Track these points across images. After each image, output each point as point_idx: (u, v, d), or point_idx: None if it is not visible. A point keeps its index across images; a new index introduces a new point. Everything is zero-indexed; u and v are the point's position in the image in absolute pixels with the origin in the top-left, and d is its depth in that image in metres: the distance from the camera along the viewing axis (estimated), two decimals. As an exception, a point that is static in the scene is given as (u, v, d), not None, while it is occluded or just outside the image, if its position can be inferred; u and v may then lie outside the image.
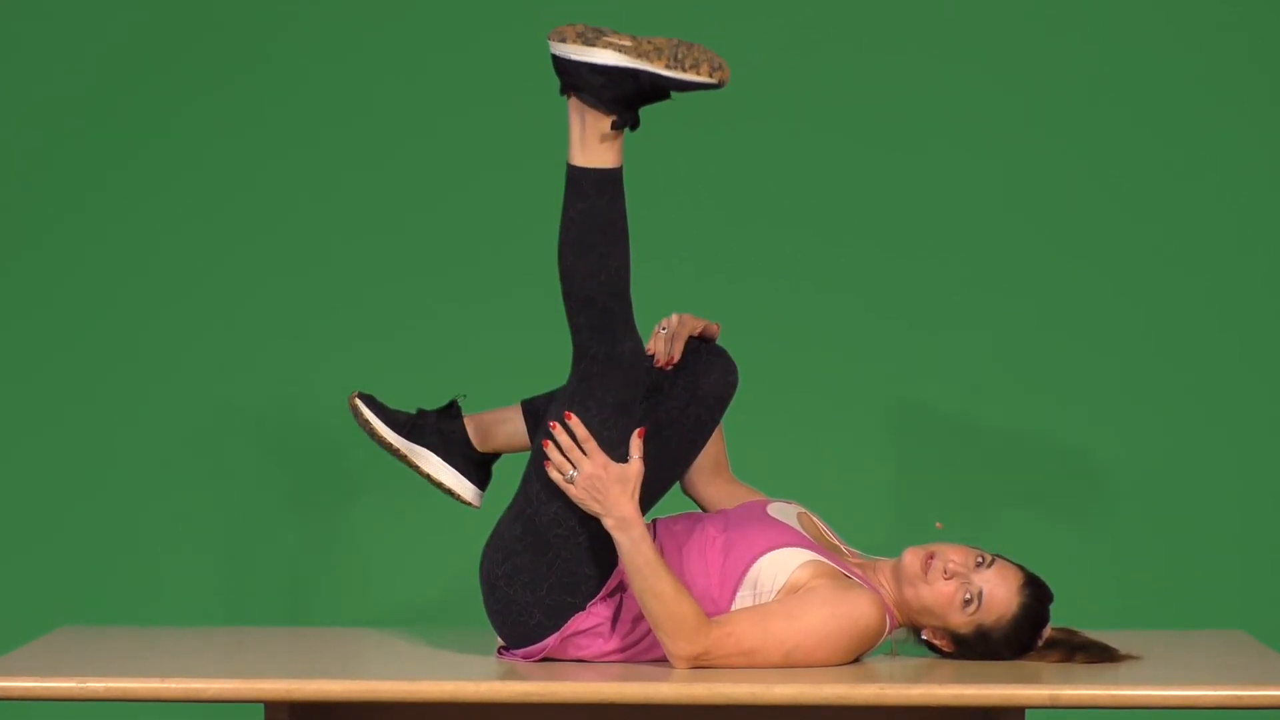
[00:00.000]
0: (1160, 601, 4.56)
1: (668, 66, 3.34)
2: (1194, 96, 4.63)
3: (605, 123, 3.39)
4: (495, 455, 3.66)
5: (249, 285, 4.68)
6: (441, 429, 3.63)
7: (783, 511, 3.58)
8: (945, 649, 3.48)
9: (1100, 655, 3.48)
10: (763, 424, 4.64)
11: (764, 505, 3.59)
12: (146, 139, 4.70)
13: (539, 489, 3.42)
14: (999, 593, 3.44)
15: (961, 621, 3.44)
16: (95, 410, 4.67)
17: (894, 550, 3.55)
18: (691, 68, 3.35)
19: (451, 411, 3.65)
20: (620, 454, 3.38)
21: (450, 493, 3.63)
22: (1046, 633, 3.50)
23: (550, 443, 3.39)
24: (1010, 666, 3.42)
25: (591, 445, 3.37)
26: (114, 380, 4.67)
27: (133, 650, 3.58)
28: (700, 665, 3.35)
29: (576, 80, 3.38)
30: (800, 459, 4.65)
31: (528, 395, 3.66)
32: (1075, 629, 3.56)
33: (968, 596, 3.43)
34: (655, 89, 3.36)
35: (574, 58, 3.37)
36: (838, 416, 4.65)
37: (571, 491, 3.38)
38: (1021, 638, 3.45)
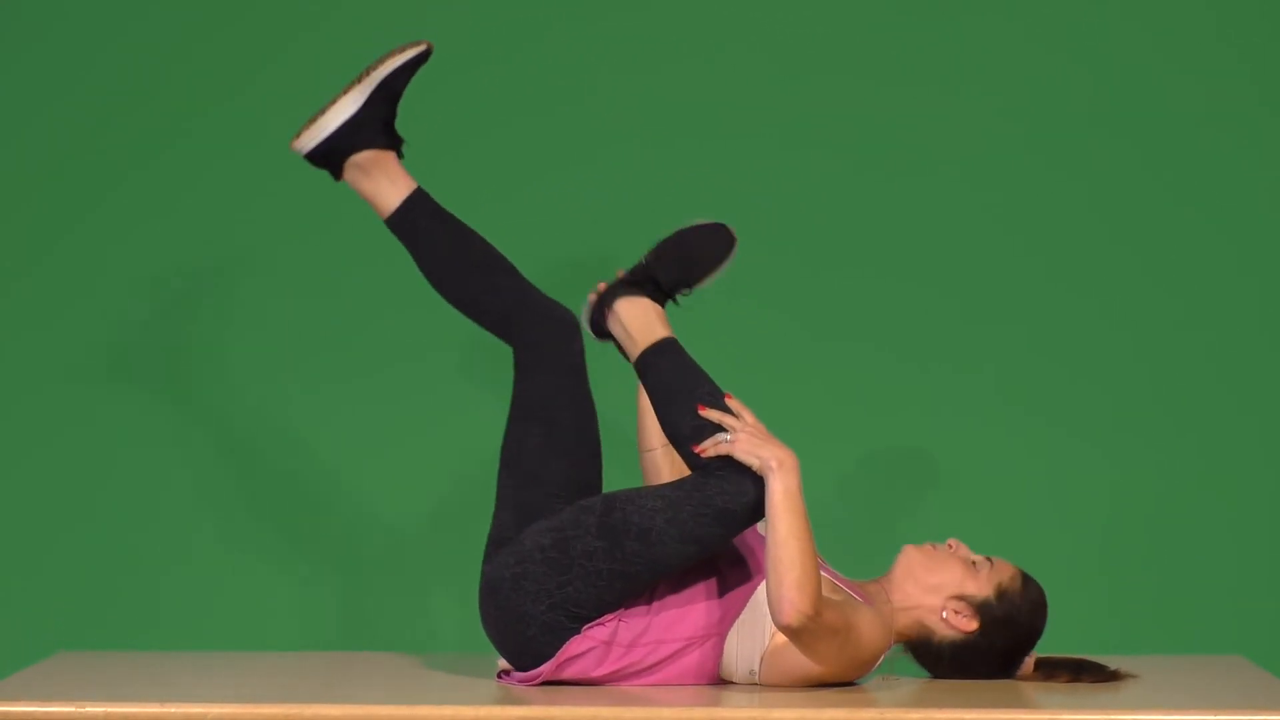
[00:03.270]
0: (1156, 626, 4.56)
1: (384, 63, 3.64)
2: (1191, 125, 4.63)
3: (388, 157, 3.66)
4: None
5: (251, 306, 4.68)
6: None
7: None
8: (966, 627, 3.48)
9: (1106, 676, 3.50)
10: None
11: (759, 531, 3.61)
12: (149, 157, 4.70)
13: (594, 522, 3.42)
14: (1003, 563, 3.54)
15: (979, 585, 3.49)
16: (93, 433, 4.67)
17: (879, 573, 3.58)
18: (394, 54, 3.65)
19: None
20: (691, 550, 3.41)
21: None
22: (1033, 659, 3.52)
23: (705, 408, 3.43)
24: (1007, 689, 3.43)
25: (746, 411, 3.43)
26: (113, 402, 4.67)
27: (131, 675, 3.59)
28: (808, 629, 3.31)
29: (348, 146, 3.64)
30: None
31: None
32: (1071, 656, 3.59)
33: (975, 560, 3.52)
34: (398, 89, 3.66)
35: (331, 128, 3.64)
36: (826, 443, 4.64)
37: (736, 446, 3.36)
38: (1036, 600, 3.50)
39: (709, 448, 3.39)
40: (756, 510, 3.38)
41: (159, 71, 4.71)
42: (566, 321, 3.60)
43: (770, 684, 3.44)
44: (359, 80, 3.63)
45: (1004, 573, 3.52)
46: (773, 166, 4.67)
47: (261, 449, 4.66)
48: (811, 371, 4.67)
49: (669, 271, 3.58)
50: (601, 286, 3.60)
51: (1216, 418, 4.61)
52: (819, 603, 3.31)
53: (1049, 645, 3.56)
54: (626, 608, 3.45)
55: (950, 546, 3.54)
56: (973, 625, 3.49)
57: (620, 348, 3.58)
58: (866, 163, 4.66)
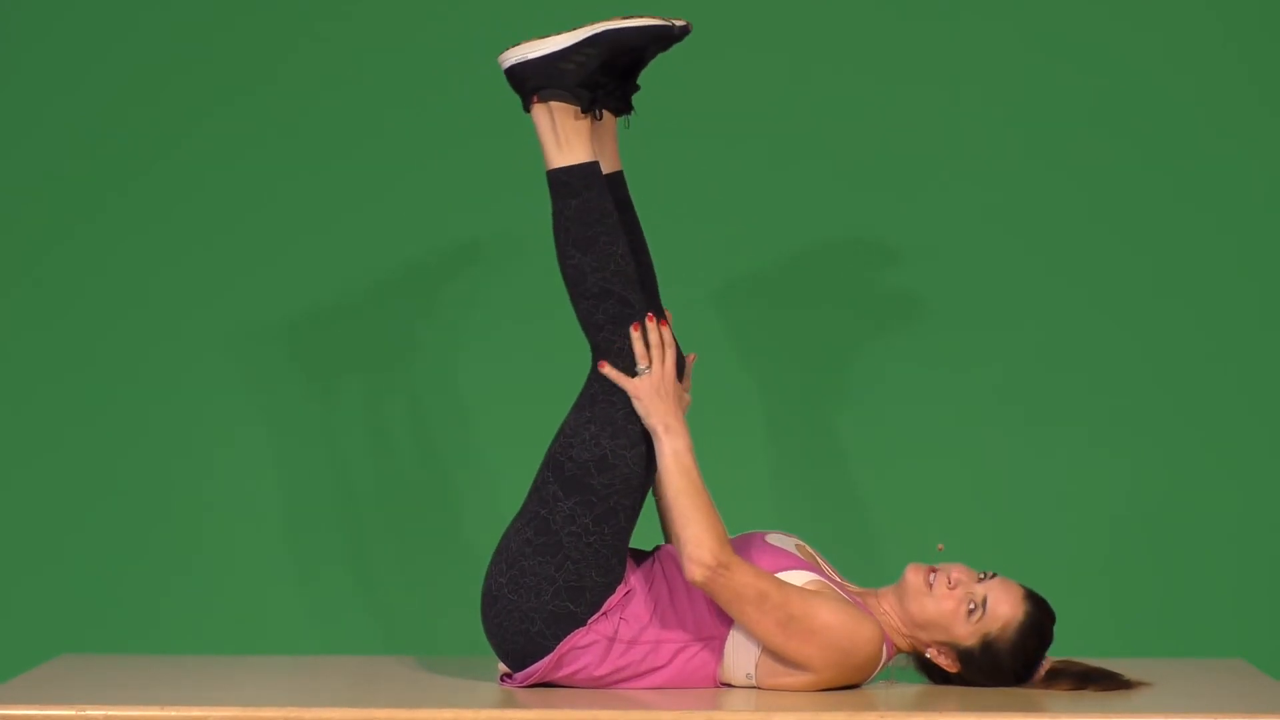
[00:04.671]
0: (1158, 629, 4.56)
1: (623, 19, 3.49)
2: (1192, 127, 4.63)
3: (574, 111, 3.51)
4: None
5: (251, 312, 4.68)
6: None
7: (781, 541, 3.59)
8: (949, 668, 3.47)
9: (1113, 684, 3.47)
10: (762, 455, 4.64)
11: (762, 535, 3.61)
12: (150, 162, 4.70)
13: (556, 488, 3.45)
14: (1002, 603, 3.46)
15: (967, 632, 3.45)
16: (96, 436, 4.67)
17: (891, 578, 3.56)
18: (641, 16, 3.50)
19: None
20: (643, 449, 3.46)
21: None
22: (1046, 664, 3.50)
23: (638, 329, 3.47)
24: (1010, 694, 3.42)
25: (671, 355, 3.47)
26: (114, 406, 4.67)
27: (132, 678, 3.59)
28: (715, 581, 3.36)
29: (538, 81, 3.50)
30: (801, 492, 4.65)
31: (536, 426, 3.71)
32: (1076, 659, 3.56)
33: (971, 606, 3.44)
34: (617, 54, 3.49)
35: (532, 56, 3.51)
36: (831, 448, 4.65)
37: (637, 386, 3.45)
38: (1027, 649, 3.45)
39: (611, 373, 3.45)
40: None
41: (159, 75, 4.71)
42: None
43: (768, 688, 3.44)
44: (593, 23, 3.51)
45: (995, 623, 3.44)
46: (774, 168, 4.67)
47: (263, 451, 4.66)
48: (811, 372, 4.67)
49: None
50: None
51: (1219, 419, 4.61)
52: (720, 554, 3.36)
53: (1053, 649, 3.55)
54: (627, 586, 3.46)
55: (950, 581, 3.47)
56: (954, 669, 3.48)
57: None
58: (868, 164, 4.66)
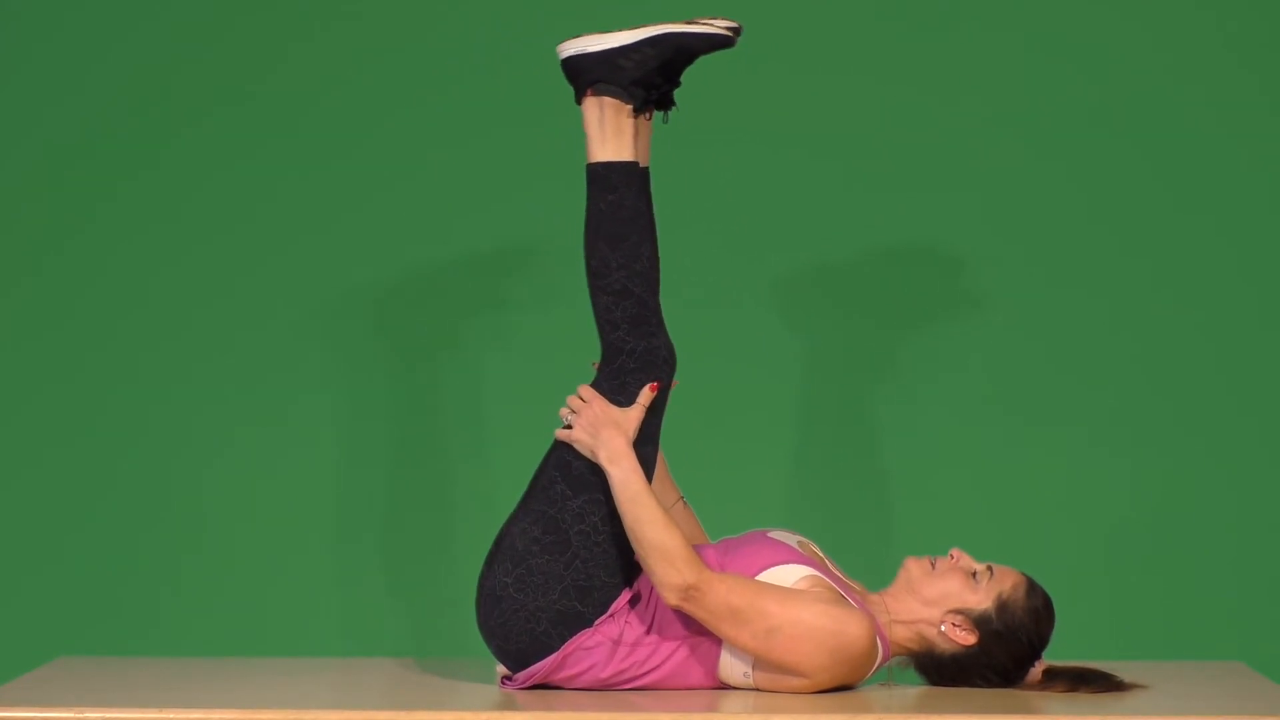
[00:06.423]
0: (1157, 632, 4.56)
1: (686, 23, 3.50)
2: (1192, 128, 4.63)
3: (626, 110, 3.51)
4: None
5: (250, 313, 4.68)
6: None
7: (783, 538, 3.59)
8: (965, 640, 3.46)
9: (1107, 685, 3.48)
10: (762, 458, 4.64)
11: (764, 532, 3.61)
12: (150, 162, 4.70)
13: (564, 487, 3.46)
14: (1008, 572, 3.50)
15: (980, 596, 3.47)
16: (95, 438, 4.67)
17: (890, 581, 3.57)
18: (705, 22, 3.51)
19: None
20: (650, 450, 3.48)
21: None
22: (1042, 665, 3.51)
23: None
24: (1007, 696, 3.42)
25: (588, 393, 3.48)
26: (113, 408, 4.67)
27: (130, 680, 3.59)
28: (688, 605, 3.37)
29: (594, 75, 3.50)
30: (799, 494, 4.65)
31: (535, 426, 3.71)
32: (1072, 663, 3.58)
33: (976, 571, 3.49)
34: (676, 56, 3.50)
35: (591, 49, 3.51)
36: (830, 451, 4.65)
37: (571, 435, 3.46)
38: (1039, 610, 3.47)
39: (560, 433, 3.48)
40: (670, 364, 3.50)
41: (159, 75, 4.70)
42: (670, 361, 3.55)
43: (766, 689, 3.44)
44: (657, 23, 3.52)
45: (1005, 582, 3.48)
46: (773, 171, 4.67)
47: (262, 453, 4.66)
48: (811, 376, 4.67)
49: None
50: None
51: (1218, 422, 4.61)
52: (686, 578, 3.36)
53: (1051, 651, 3.56)
54: (629, 588, 3.46)
55: (952, 558, 3.52)
56: (971, 639, 3.47)
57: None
58: (869, 168, 4.65)
